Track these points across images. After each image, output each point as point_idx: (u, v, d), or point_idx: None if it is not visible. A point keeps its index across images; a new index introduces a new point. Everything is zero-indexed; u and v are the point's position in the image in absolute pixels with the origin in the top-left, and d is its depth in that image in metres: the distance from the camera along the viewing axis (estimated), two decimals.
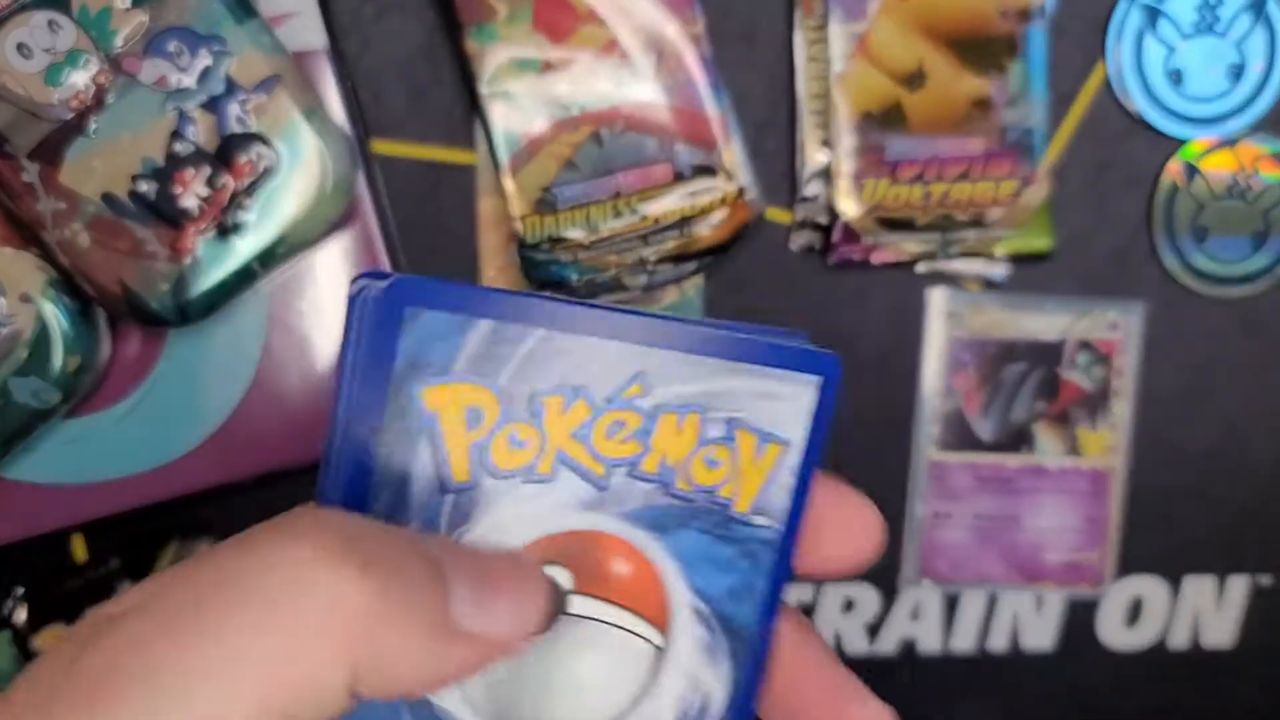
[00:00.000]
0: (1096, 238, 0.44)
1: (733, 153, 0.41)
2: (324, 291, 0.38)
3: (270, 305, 0.38)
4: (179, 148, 0.35)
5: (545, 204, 0.40)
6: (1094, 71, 0.43)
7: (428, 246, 0.41)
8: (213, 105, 0.35)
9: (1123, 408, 0.45)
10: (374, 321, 0.21)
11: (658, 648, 0.24)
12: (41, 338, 0.35)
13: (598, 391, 0.22)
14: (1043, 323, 0.45)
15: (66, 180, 0.34)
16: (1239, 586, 0.48)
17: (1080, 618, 0.48)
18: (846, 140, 0.41)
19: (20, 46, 0.34)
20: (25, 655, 0.40)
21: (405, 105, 0.41)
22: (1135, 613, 0.48)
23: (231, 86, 0.35)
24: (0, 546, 0.38)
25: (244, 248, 0.35)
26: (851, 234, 0.42)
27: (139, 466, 0.38)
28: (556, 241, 0.40)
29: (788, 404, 0.23)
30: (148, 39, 0.34)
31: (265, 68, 0.35)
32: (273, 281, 0.38)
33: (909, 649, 0.48)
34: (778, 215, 0.43)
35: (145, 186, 0.35)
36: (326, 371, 0.39)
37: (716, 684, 0.24)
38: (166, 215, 0.35)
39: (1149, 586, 0.48)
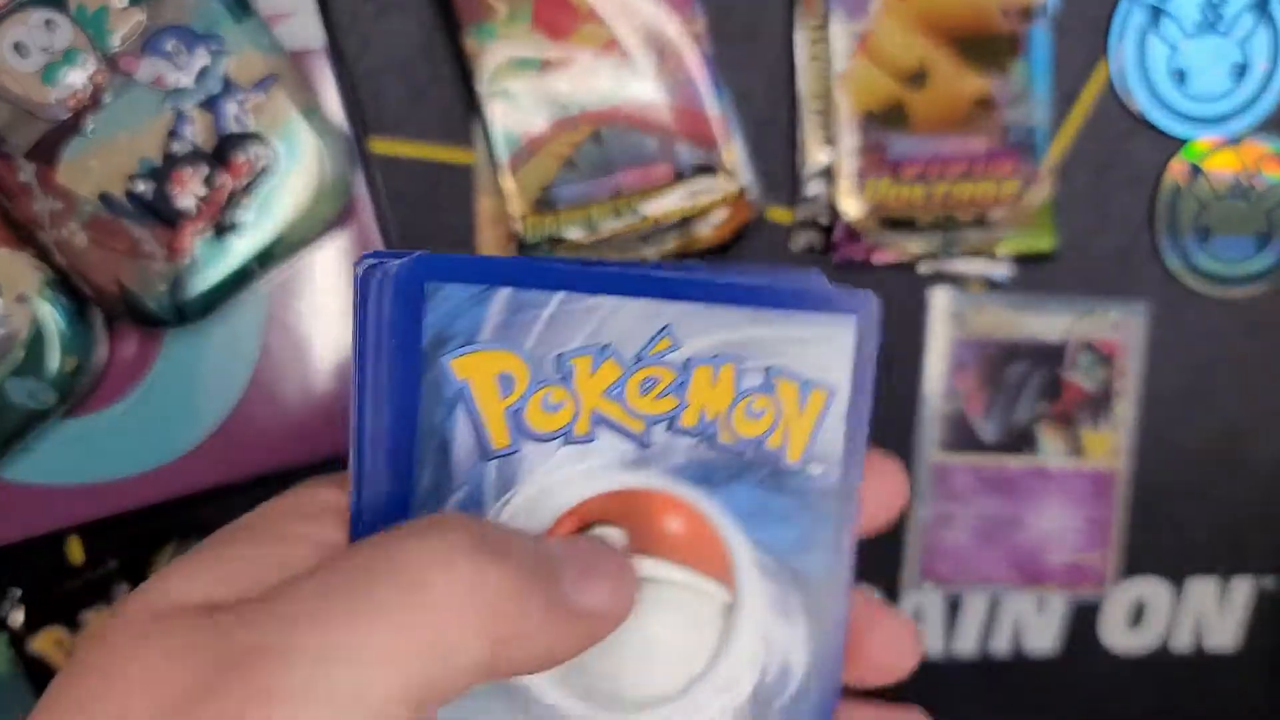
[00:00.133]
0: (1099, 238, 0.44)
1: (733, 152, 0.40)
2: (322, 291, 0.38)
3: (268, 305, 0.38)
4: (176, 147, 0.34)
5: (545, 204, 0.40)
6: (1096, 71, 0.43)
7: (426, 246, 0.41)
8: (210, 104, 0.34)
9: (1125, 408, 0.45)
10: (397, 299, 0.21)
11: (726, 604, 0.23)
12: (38, 338, 0.35)
13: (626, 349, 0.22)
14: (1045, 323, 0.44)
15: (63, 180, 0.34)
16: (1243, 588, 0.48)
17: (1083, 620, 0.48)
18: (848, 139, 0.41)
19: (17, 45, 0.34)
20: (22, 657, 0.39)
21: (404, 104, 0.41)
22: (1138, 615, 0.48)
23: (229, 86, 0.35)
24: None
25: (242, 247, 0.35)
26: (853, 234, 0.42)
27: (137, 467, 0.38)
28: (556, 241, 0.40)
29: (826, 347, 0.23)
30: (145, 38, 0.34)
31: (263, 67, 0.35)
32: (271, 281, 0.38)
33: None
34: (779, 215, 0.43)
35: (142, 186, 0.34)
36: (325, 371, 0.38)
37: (794, 643, 0.24)
38: (164, 215, 0.35)
39: (1152, 588, 0.47)
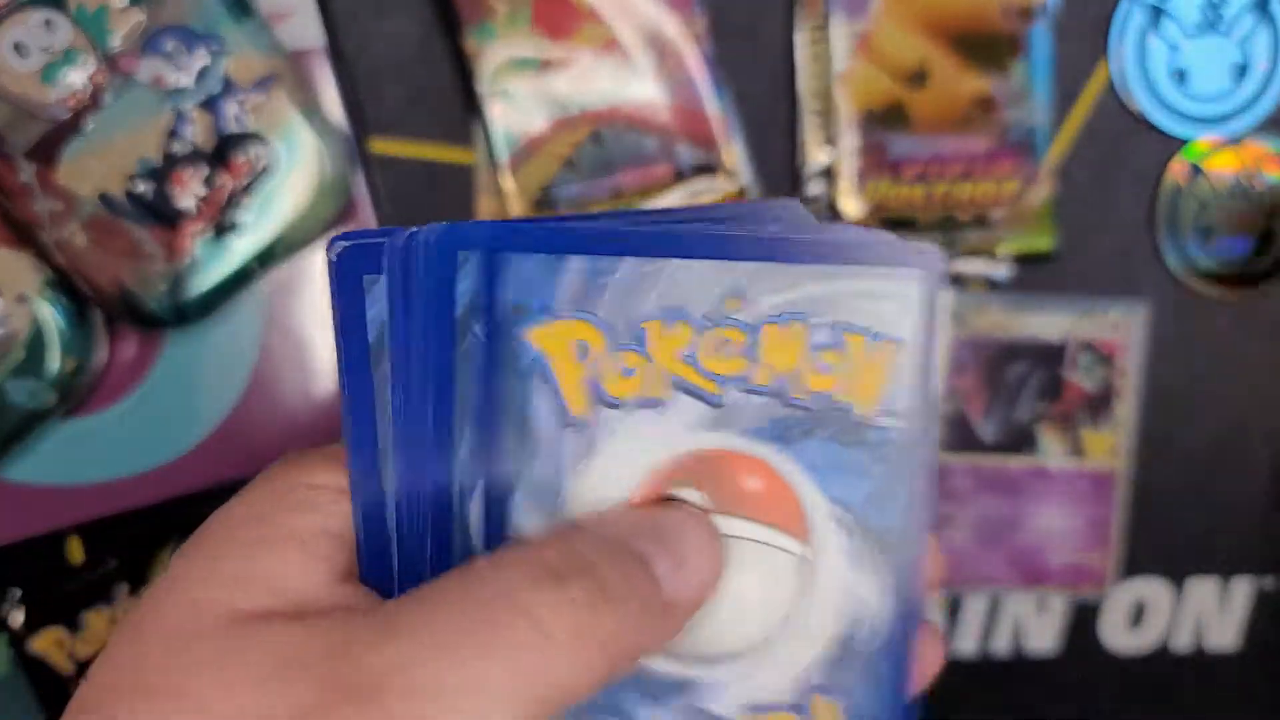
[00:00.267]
0: (1099, 238, 0.44)
1: (734, 152, 0.40)
2: (322, 291, 0.38)
3: (268, 305, 0.38)
4: (176, 147, 0.34)
5: (545, 204, 0.39)
6: (1097, 71, 0.43)
7: None
8: (210, 104, 0.34)
9: (1126, 409, 0.45)
10: (470, 273, 0.21)
11: (804, 559, 0.24)
12: (38, 338, 0.35)
13: (695, 311, 0.22)
14: (1045, 323, 0.44)
15: (63, 180, 0.34)
16: (1242, 588, 0.48)
17: (1083, 620, 0.48)
18: (848, 139, 0.41)
19: (17, 45, 0.34)
20: (22, 658, 0.39)
21: (404, 104, 0.41)
22: (1138, 615, 0.48)
23: (229, 86, 0.35)
24: None
25: (242, 247, 0.35)
26: None
27: (136, 468, 0.38)
28: None
29: (893, 301, 0.23)
30: (145, 38, 0.34)
31: (263, 67, 0.35)
32: (270, 282, 0.37)
33: None
34: None
35: (142, 186, 0.34)
36: (325, 371, 0.38)
37: (873, 592, 0.24)
38: (164, 215, 0.34)
39: (1152, 589, 0.47)
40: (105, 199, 0.34)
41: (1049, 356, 0.45)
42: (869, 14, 0.40)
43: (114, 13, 0.34)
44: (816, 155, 0.42)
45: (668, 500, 0.23)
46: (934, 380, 0.24)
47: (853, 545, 0.24)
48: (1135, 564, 0.47)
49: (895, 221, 0.42)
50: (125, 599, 0.40)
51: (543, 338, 0.22)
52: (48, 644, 0.39)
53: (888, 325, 0.23)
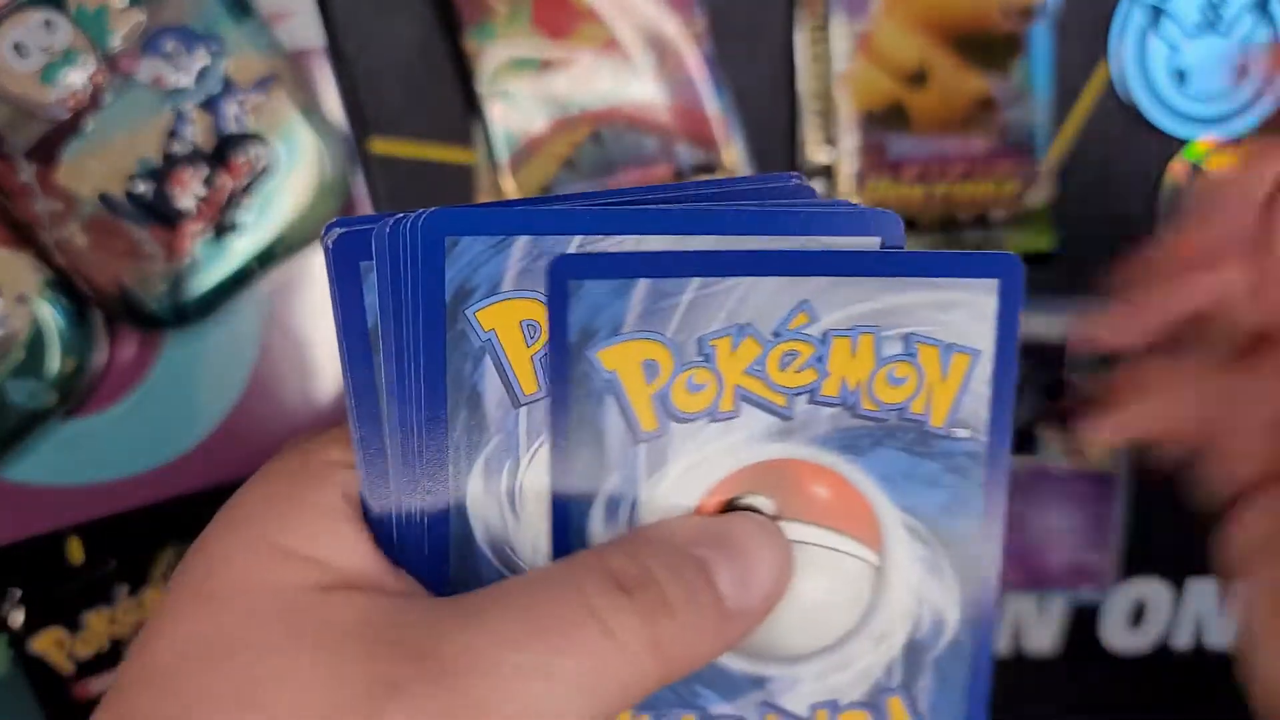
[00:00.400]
0: (1099, 238, 0.44)
1: (734, 152, 0.40)
2: (322, 291, 0.38)
3: (268, 305, 0.38)
4: (176, 147, 0.34)
5: None
6: (1097, 71, 0.43)
7: None
8: (210, 105, 0.34)
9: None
10: (556, 291, 0.22)
11: (875, 566, 0.24)
12: (38, 339, 0.35)
13: (764, 327, 0.23)
14: (1045, 323, 0.44)
15: (63, 180, 0.34)
16: None
17: (1083, 620, 0.47)
18: (848, 139, 0.41)
19: (17, 45, 0.34)
20: (22, 658, 0.39)
21: (404, 104, 0.41)
22: (1138, 615, 0.48)
23: (229, 86, 0.35)
24: None
25: (242, 247, 0.35)
26: None
27: (136, 468, 0.38)
28: None
29: (968, 311, 0.23)
30: (145, 38, 0.34)
31: (262, 67, 0.35)
32: (270, 282, 0.37)
33: None
34: None
35: (142, 187, 0.34)
36: (325, 371, 0.38)
37: (946, 599, 0.25)
38: (164, 215, 0.35)
39: (1152, 589, 0.47)
40: (105, 199, 0.34)
41: (1049, 357, 0.45)
42: (869, 14, 0.40)
43: (114, 13, 0.34)
44: (816, 155, 0.42)
45: (737, 508, 0.23)
46: (1010, 390, 0.24)
47: (925, 553, 0.24)
48: (1135, 564, 0.47)
49: None
50: (125, 599, 0.40)
51: (613, 358, 0.22)
52: (48, 644, 0.39)
53: (962, 336, 0.23)
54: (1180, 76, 0.43)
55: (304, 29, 0.38)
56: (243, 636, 0.21)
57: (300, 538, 0.22)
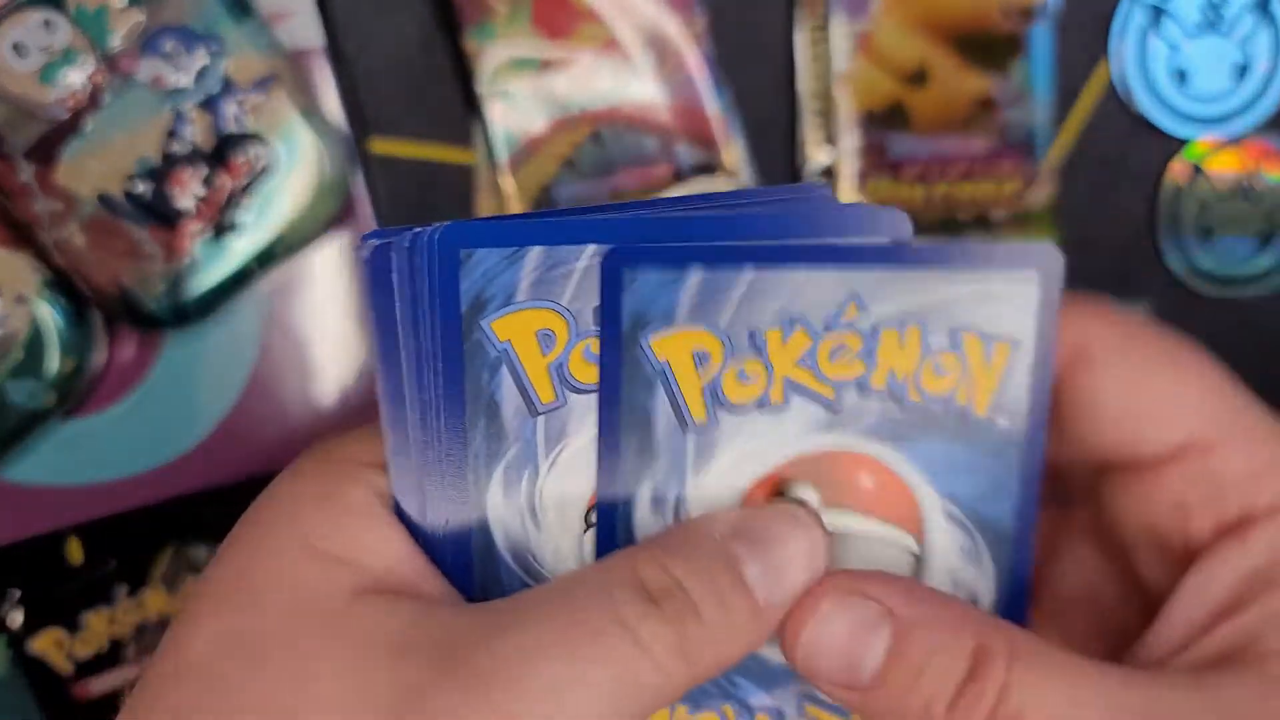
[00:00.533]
0: (1100, 238, 0.44)
1: (734, 152, 0.40)
2: (322, 291, 0.38)
3: (268, 305, 0.38)
4: (175, 148, 0.34)
5: (544, 204, 0.39)
6: (1097, 71, 0.43)
7: None
8: (209, 105, 0.34)
9: None
10: (609, 284, 0.22)
11: (915, 553, 0.25)
12: (37, 339, 0.35)
13: (815, 318, 0.23)
14: None
15: (62, 180, 0.34)
16: None
17: None
18: (848, 139, 0.41)
19: (16, 45, 0.34)
20: (22, 658, 0.39)
21: (403, 104, 0.41)
22: None
23: (228, 86, 0.35)
24: None
25: (241, 248, 0.35)
26: None
27: (136, 468, 0.38)
28: None
29: (1010, 302, 0.24)
30: (144, 38, 0.34)
31: (262, 67, 0.35)
32: (270, 282, 0.37)
33: None
34: None
35: (141, 187, 0.34)
36: (325, 371, 0.38)
37: (982, 583, 0.25)
38: (163, 215, 0.35)
39: None
40: (104, 199, 0.34)
41: None
42: (869, 14, 0.40)
43: (113, 13, 0.34)
44: (816, 155, 0.42)
45: (780, 498, 0.24)
46: (1048, 378, 0.24)
47: (965, 540, 0.25)
48: None
49: None
50: (125, 599, 0.40)
51: (666, 347, 0.23)
52: (47, 644, 0.39)
53: (1003, 326, 0.24)
54: (1180, 76, 0.43)
55: (304, 29, 0.38)
56: (279, 637, 0.21)
57: (337, 539, 0.22)
